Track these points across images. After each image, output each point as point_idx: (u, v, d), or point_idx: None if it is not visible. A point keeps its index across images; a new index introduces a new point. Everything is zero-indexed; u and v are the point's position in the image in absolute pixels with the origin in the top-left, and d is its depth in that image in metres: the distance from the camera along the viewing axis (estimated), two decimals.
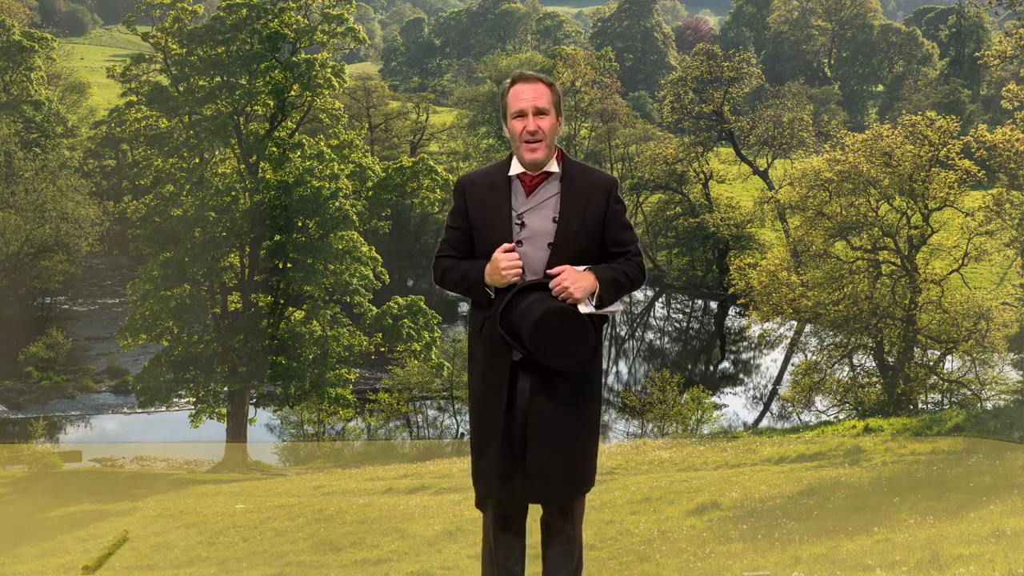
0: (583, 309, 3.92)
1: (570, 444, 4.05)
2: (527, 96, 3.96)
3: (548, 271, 3.94)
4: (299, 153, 31.06)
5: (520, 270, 3.91)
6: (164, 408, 33.10)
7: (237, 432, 30.46)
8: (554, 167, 4.02)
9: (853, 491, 12.35)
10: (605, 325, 4.13)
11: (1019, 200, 29.34)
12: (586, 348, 3.93)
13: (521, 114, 3.96)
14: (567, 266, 3.92)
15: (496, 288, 3.96)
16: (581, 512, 4.27)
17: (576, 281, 3.89)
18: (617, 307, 4.05)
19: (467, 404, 32.98)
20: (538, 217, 4.00)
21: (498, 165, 4.10)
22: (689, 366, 42.73)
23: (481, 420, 4.10)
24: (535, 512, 4.30)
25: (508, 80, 4.05)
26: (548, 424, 4.00)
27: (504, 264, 3.89)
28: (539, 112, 3.95)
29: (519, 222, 3.99)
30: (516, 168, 4.03)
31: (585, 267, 3.97)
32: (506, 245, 3.93)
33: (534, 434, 4.01)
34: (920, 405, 30.09)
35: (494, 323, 3.96)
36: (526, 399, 4.02)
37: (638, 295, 50.07)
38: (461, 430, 33.86)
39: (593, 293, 3.93)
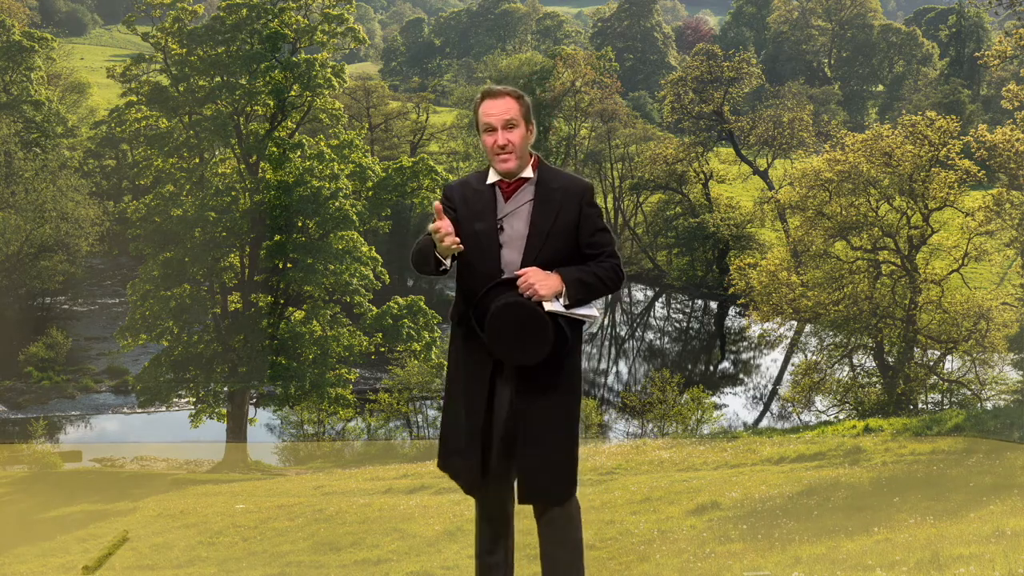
0: (548, 307, 3.99)
1: (557, 446, 4.16)
2: (495, 111, 4.10)
3: (515, 272, 4.06)
4: (299, 153, 31.07)
5: (445, 229, 3.96)
6: (164, 408, 33.11)
7: (237, 432, 30.47)
8: (529, 173, 4.17)
9: (853, 491, 12.35)
10: (584, 328, 4.18)
11: (1019, 200, 29.34)
12: (543, 347, 3.99)
13: (491, 128, 4.11)
14: (532, 267, 4.04)
15: (450, 257, 4.06)
16: (574, 514, 4.29)
17: (541, 280, 4.00)
18: (591, 311, 4.10)
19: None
20: (515, 221, 4.14)
21: (478, 174, 4.26)
22: (689, 366, 42.72)
23: (459, 416, 4.23)
24: (530, 513, 4.30)
25: (478, 95, 4.21)
26: (535, 427, 4.12)
27: (433, 228, 3.99)
28: (507, 125, 4.09)
29: (500, 227, 4.13)
30: (494, 176, 4.19)
31: (553, 270, 4.06)
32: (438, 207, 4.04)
33: (523, 437, 4.12)
34: (920, 405, 30.09)
35: (470, 316, 4.10)
36: (506, 397, 4.15)
37: (638, 295, 50.07)
38: None
39: (560, 293, 4.02)
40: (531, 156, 4.19)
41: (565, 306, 4.02)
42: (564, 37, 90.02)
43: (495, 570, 4.38)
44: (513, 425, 4.14)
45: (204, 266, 31.18)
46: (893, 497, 11.38)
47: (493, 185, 4.18)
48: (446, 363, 4.39)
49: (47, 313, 42.28)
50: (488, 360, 4.12)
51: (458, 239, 4.01)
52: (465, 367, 4.19)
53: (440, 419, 4.42)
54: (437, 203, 4.04)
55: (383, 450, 30.71)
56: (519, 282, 4.01)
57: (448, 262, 4.08)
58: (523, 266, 4.06)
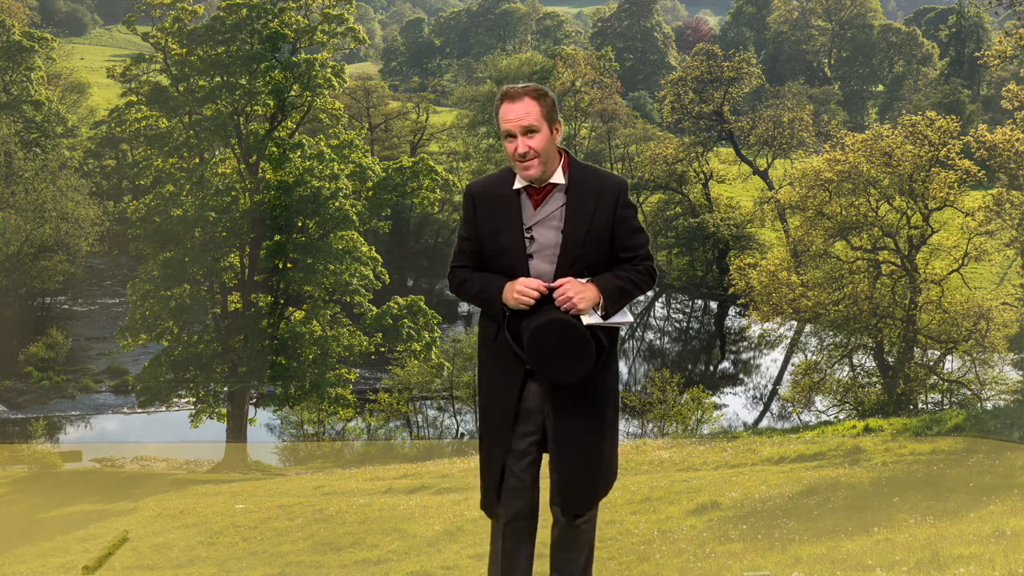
0: (587, 320, 3.84)
1: (592, 454, 4.05)
2: (513, 116, 3.86)
3: (550, 284, 3.88)
4: (299, 153, 31.07)
5: (531, 302, 3.85)
6: (164, 408, 33.11)
7: (237, 432, 30.47)
8: (559, 178, 3.95)
9: (853, 491, 12.34)
10: (619, 333, 4.05)
11: (1019, 200, 29.34)
12: (585, 363, 3.85)
13: (510, 135, 3.88)
14: (568, 278, 3.87)
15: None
16: (592, 518, 4.24)
17: (579, 292, 3.83)
18: (625, 318, 3.94)
19: (468, 405, 33.15)
20: (546, 230, 3.94)
21: (504, 175, 4.03)
22: (689, 366, 42.73)
23: (489, 427, 4.10)
24: (542, 516, 4.28)
25: (498, 96, 3.96)
26: (569, 435, 4.00)
27: (520, 288, 3.85)
28: (527, 131, 3.86)
29: (529, 236, 3.94)
30: (521, 182, 3.97)
31: (587, 278, 3.90)
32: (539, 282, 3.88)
33: (556, 446, 4.01)
34: (920, 405, 30.09)
35: (503, 330, 3.96)
36: (536, 411, 4.02)
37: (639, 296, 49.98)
38: (461, 430, 33.88)
39: (598, 304, 3.87)
40: (560, 156, 3.96)
41: (602, 317, 3.87)
42: (564, 37, 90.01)
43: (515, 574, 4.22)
44: (546, 434, 4.01)
45: (204, 266, 31.18)
46: (893, 497, 11.38)
47: (519, 191, 3.97)
48: (476, 372, 4.22)
49: (47, 313, 42.27)
50: (519, 370, 3.97)
51: (531, 302, 3.85)
52: (495, 377, 4.04)
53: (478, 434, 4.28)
54: (531, 290, 3.84)
55: (383, 450, 30.71)
56: (556, 295, 3.84)
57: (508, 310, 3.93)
58: (557, 277, 3.89)
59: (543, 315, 3.85)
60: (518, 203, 3.96)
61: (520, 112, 3.86)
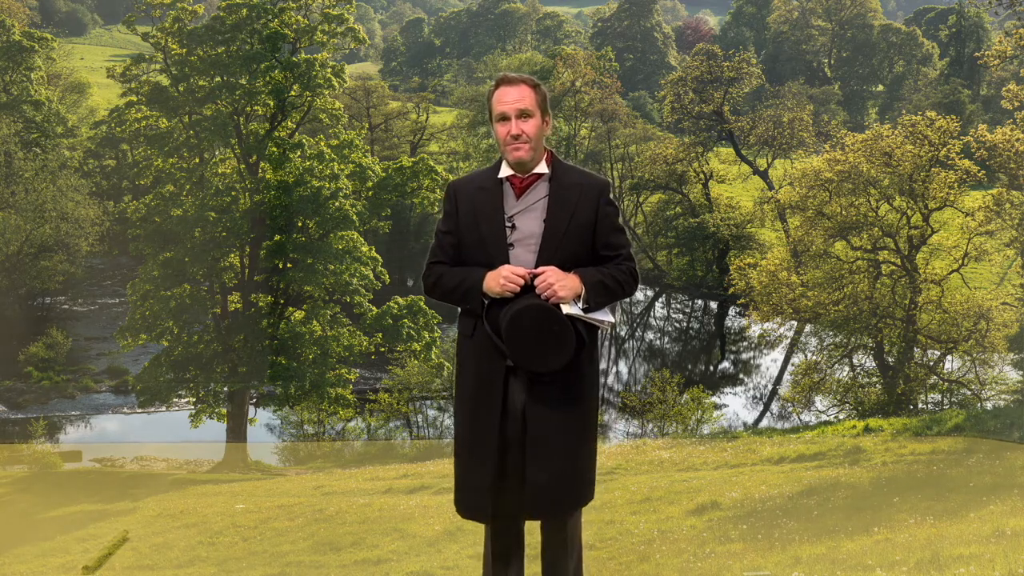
0: (567, 310, 3.80)
1: (569, 457, 3.98)
2: (509, 99, 3.92)
3: (532, 271, 3.87)
4: (299, 153, 31.07)
5: (517, 288, 3.83)
6: (164, 408, 33.11)
7: (237, 432, 30.47)
8: (543, 168, 3.98)
9: (853, 491, 12.34)
10: (600, 333, 4.00)
11: (1019, 200, 29.33)
12: (564, 353, 3.81)
13: (504, 117, 3.93)
14: (551, 266, 3.86)
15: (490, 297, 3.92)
16: (579, 521, 4.22)
17: (560, 279, 3.82)
18: (607, 317, 3.90)
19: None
20: (528, 219, 3.95)
21: (488, 169, 4.07)
22: (689, 366, 42.72)
23: (472, 429, 4.03)
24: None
25: (493, 82, 4.02)
26: (546, 436, 3.93)
27: (506, 274, 3.84)
28: (522, 114, 3.91)
29: (510, 224, 3.94)
30: (506, 171, 3.99)
31: (572, 271, 3.88)
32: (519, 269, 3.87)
33: (532, 447, 3.94)
34: (920, 405, 30.08)
35: (482, 322, 3.92)
36: (520, 408, 3.95)
37: (638, 295, 50.04)
38: None
39: (579, 295, 3.85)
40: (545, 150, 4.00)
41: (583, 309, 3.84)
42: (564, 37, 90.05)
43: None
44: (527, 435, 3.94)
45: (204, 266, 31.18)
46: (893, 497, 11.38)
47: (503, 181, 3.99)
48: (454, 371, 4.16)
49: (47, 313, 42.28)
50: (501, 365, 3.92)
51: (517, 288, 3.83)
52: (476, 373, 3.99)
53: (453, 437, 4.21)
54: (517, 276, 3.82)
55: (383, 450, 30.71)
56: (536, 282, 3.83)
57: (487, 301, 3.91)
58: (538, 266, 3.89)
59: (522, 301, 3.81)
60: (500, 192, 3.98)
61: (516, 95, 3.92)
